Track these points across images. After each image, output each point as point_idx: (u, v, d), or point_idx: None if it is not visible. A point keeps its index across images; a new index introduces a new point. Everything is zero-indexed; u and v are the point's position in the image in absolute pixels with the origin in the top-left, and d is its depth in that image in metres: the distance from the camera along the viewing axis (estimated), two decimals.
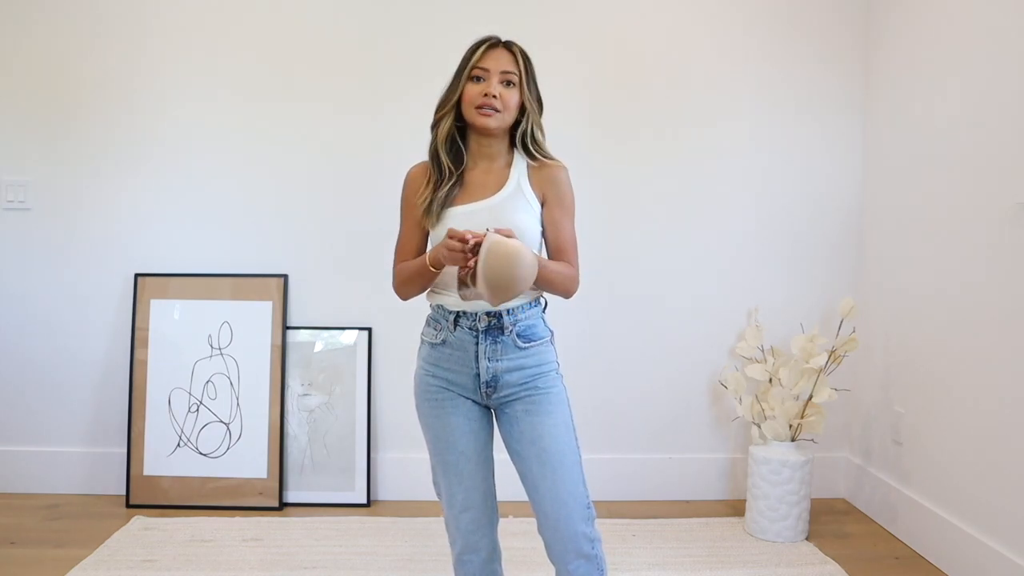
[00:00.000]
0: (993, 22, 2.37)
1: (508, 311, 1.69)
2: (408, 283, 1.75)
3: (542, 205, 1.73)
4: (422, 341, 1.81)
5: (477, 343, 1.69)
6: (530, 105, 1.73)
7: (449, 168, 1.71)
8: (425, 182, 1.73)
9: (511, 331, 1.69)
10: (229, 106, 3.05)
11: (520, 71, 1.70)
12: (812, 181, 3.11)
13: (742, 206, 3.10)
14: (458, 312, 1.71)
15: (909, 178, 2.80)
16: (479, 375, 1.70)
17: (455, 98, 1.71)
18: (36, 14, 3.02)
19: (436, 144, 1.73)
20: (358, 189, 3.04)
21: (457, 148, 1.74)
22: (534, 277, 1.57)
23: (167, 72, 3.04)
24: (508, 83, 1.69)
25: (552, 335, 1.78)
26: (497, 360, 1.70)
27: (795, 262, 3.12)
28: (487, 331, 1.69)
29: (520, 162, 1.75)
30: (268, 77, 3.04)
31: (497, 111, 1.68)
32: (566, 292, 1.75)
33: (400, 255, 1.78)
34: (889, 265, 2.93)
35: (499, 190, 1.72)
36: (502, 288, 1.51)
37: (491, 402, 1.73)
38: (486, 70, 1.68)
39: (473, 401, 1.74)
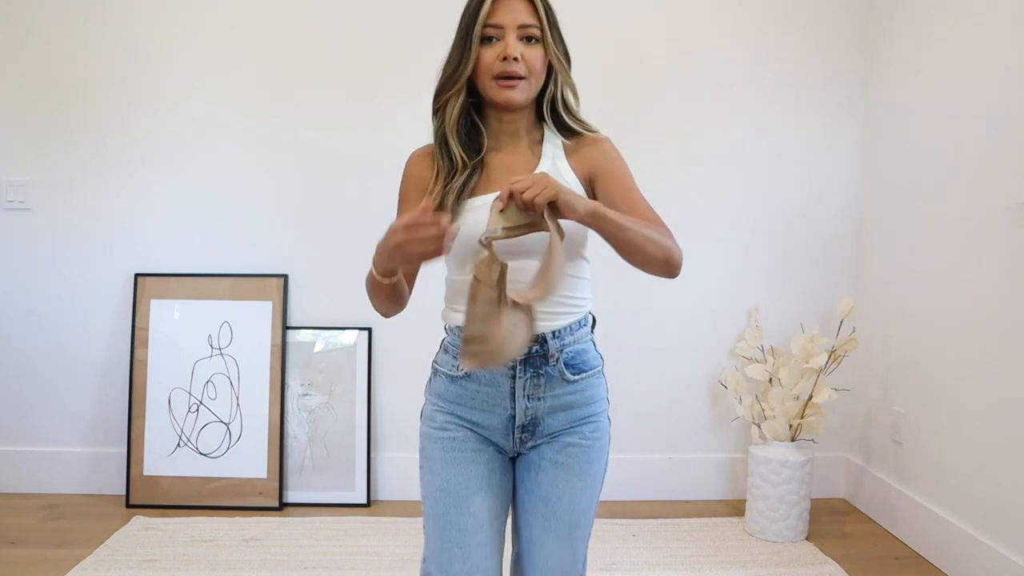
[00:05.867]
0: (993, 23, 2.37)
1: (554, 333, 1.33)
2: (372, 299, 1.36)
3: (591, 185, 1.38)
4: (435, 372, 1.43)
5: (514, 377, 1.34)
6: (558, 62, 1.37)
7: (462, 158, 1.36)
8: (432, 174, 1.38)
9: (557, 360, 1.34)
10: (229, 107, 3.05)
11: (543, 20, 1.34)
12: (812, 181, 3.11)
13: (742, 206, 3.10)
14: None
15: (909, 178, 2.80)
16: (514, 417, 1.35)
17: (467, 71, 1.34)
18: (36, 14, 3.02)
19: (444, 131, 1.37)
20: (358, 189, 3.04)
21: (475, 130, 1.39)
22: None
23: (167, 72, 3.04)
24: (530, 39, 1.33)
25: (603, 363, 1.43)
26: (539, 399, 1.35)
27: (795, 262, 3.12)
28: (527, 361, 1.33)
29: (553, 135, 1.41)
30: (268, 77, 3.04)
31: (522, 78, 1.32)
32: (666, 258, 1.28)
33: None
34: (889, 265, 2.93)
35: (532, 171, 1.37)
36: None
37: (521, 449, 1.39)
38: (499, 27, 1.32)
39: (497, 448, 1.39)
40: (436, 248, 1.16)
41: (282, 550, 2.61)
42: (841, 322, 2.92)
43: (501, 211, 1.19)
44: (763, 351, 2.96)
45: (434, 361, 1.44)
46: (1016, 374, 2.24)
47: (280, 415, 3.00)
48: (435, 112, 1.40)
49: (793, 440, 2.78)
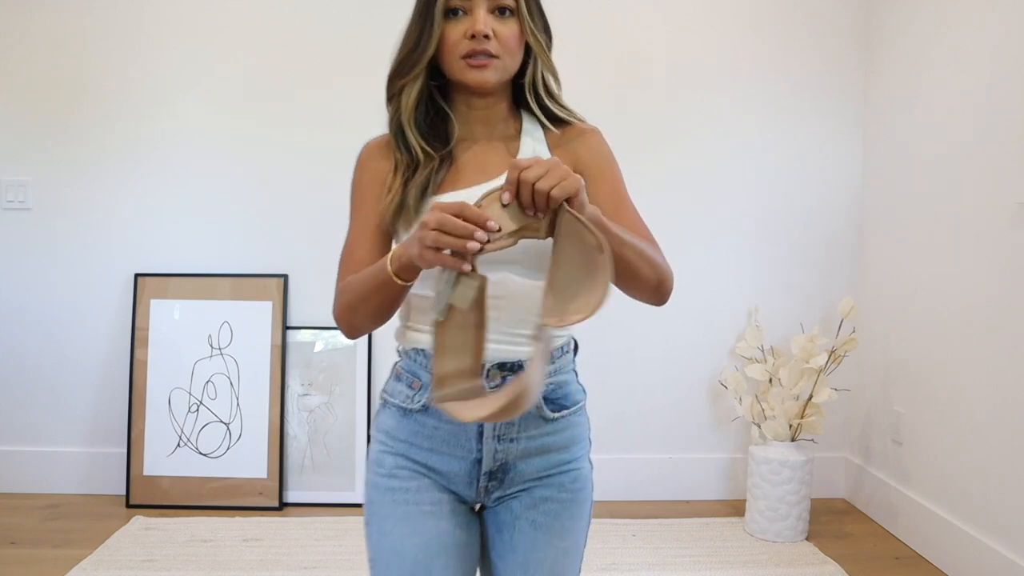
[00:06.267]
0: (993, 22, 2.37)
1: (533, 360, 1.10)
2: (357, 306, 1.13)
3: None
4: (384, 403, 1.20)
5: None
6: (536, 39, 1.16)
7: (423, 149, 1.16)
8: (391, 167, 1.18)
9: None
10: (229, 106, 3.05)
11: None
12: (812, 181, 3.11)
13: (742, 206, 3.10)
14: None
15: (909, 178, 2.80)
16: (480, 461, 1.14)
17: (429, 51, 1.14)
18: (35, 14, 3.02)
19: (401, 119, 1.19)
20: None
21: (441, 117, 1.19)
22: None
23: (167, 72, 3.04)
24: (502, 11, 1.13)
25: (586, 397, 1.23)
26: (511, 440, 1.13)
27: (795, 262, 3.12)
28: None
29: (533, 127, 1.21)
30: (267, 77, 3.04)
31: (494, 57, 1.12)
32: (660, 281, 1.09)
33: (348, 267, 1.20)
34: (889, 265, 2.93)
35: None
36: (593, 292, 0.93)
37: (487, 499, 1.18)
38: None
39: (459, 498, 1.17)
40: (456, 254, 0.92)
41: (282, 550, 2.61)
42: (841, 322, 2.92)
43: (505, 205, 0.94)
44: (763, 351, 2.96)
45: (383, 390, 1.20)
46: (1016, 374, 2.24)
47: (280, 415, 3.00)
48: (389, 99, 1.21)
49: (793, 440, 2.78)
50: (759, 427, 2.84)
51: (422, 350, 1.15)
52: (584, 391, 1.23)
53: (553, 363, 1.15)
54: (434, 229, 0.92)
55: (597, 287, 0.91)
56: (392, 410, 1.17)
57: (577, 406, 1.20)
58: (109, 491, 3.07)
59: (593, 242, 0.92)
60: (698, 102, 3.08)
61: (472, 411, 0.95)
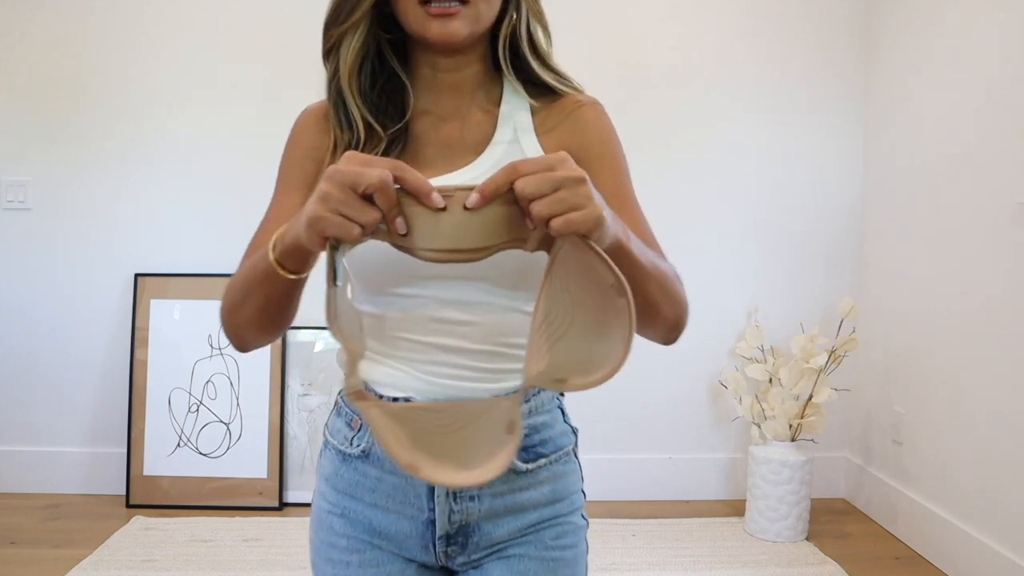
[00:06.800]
0: (993, 22, 2.37)
1: (507, 396, 0.86)
2: (239, 306, 0.86)
3: None
4: (325, 444, 0.98)
5: None
6: None
7: (367, 123, 0.90)
8: (330, 143, 0.95)
9: None
10: (228, 106, 3.05)
11: None
12: (812, 181, 3.11)
13: (742, 206, 3.10)
14: (396, 399, 0.89)
15: (909, 178, 2.80)
16: (433, 522, 0.90)
17: None
18: (35, 14, 3.02)
19: (340, 83, 0.92)
20: None
21: (395, 83, 0.92)
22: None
23: (167, 72, 3.04)
24: None
25: (576, 438, 0.98)
26: (471, 497, 0.89)
27: (795, 262, 3.12)
28: None
29: (515, 97, 0.94)
30: (268, 77, 3.04)
31: (463, 2, 0.86)
32: (677, 320, 0.93)
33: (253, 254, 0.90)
34: (889, 265, 2.93)
35: (480, 152, 0.91)
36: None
37: (450, 563, 0.94)
38: None
39: (417, 564, 0.94)
40: (356, 232, 0.68)
41: (282, 550, 2.61)
42: (841, 322, 2.92)
43: (468, 207, 0.68)
44: (763, 351, 2.95)
45: (325, 425, 0.98)
46: (1016, 374, 2.24)
47: (280, 415, 3.00)
48: (326, 55, 0.93)
49: (793, 440, 2.78)
50: (759, 427, 2.84)
51: (364, 382, 0.89)
52: (574, 432, 0.97)
53: (529, 401, 0.89)
54: (375, 190, 0.66)
55: (615, 343, 0.67)
56: (332, 452, 0.95)
57: (561, 451, 0.94)
58: (109, 491, 3.07)
59: (610, 280, 0.69)
60: (697, 102, 3.07)
61: (438, 473, 0.69)
